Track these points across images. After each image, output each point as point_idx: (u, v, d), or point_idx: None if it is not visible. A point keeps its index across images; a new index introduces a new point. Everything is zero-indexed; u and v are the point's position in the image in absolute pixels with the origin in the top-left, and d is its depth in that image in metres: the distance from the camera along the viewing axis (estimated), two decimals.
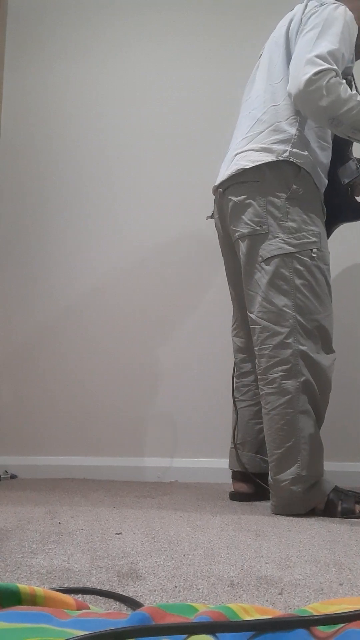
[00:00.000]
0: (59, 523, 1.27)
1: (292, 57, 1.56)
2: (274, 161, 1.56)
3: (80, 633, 0.46)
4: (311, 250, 1.54)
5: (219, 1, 2.58)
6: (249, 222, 1.59)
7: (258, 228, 1.57)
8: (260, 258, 1.57)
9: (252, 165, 1.58)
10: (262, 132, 1.61)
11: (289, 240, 1.54)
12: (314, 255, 1.54)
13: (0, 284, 2.47)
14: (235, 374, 1.83)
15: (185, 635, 0.47)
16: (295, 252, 1.54)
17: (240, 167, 1.61)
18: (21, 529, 1.20)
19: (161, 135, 2.50)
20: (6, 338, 2.43)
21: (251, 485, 1.74)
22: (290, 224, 1.55)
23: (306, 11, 1.58)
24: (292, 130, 1.57)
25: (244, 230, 1.61)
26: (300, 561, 0.96)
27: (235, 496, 1.74)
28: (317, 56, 1.46)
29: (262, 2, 2.50)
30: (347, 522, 1.38)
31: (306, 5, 1.60)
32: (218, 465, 2.12)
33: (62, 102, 2.57)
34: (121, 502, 1.63)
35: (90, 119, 2.55)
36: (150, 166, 2.49)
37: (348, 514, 1.44)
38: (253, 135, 1.63)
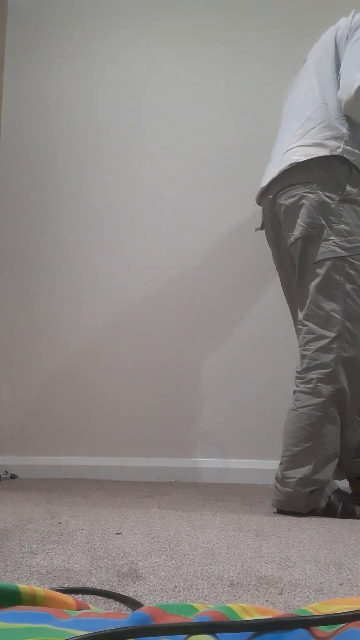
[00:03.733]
0: (59, 523, 1.27)
1: (343, 63, 1.57)
2: (326, 157, 1.54)
3: (80, 633, 0.46)
4: None
5: (219, 3, 2.58)
6: (302, 224, 1.57)
7: (311, 230, 1.55)
8: (312, 260, 1.55)
9: (304, 159, 1.56)
10: (314, 128, 1.58)
11: (342, 243, 1.52)
12: None
13: (0, 285, 2.47)
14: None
15: (185, 635, 0.47)
16: (347, 256, 1.52)
17: (293, 162, 1.58)
18: (21, 529, 1.20)
19: (162, 135, 2.50)
20: (6, 338, 2.42)
21: None
22: (343, 226, 1.53)
23: (354, 20, 1.61)
24: (344, 129, 1.56)
25: (297, 233, 1.59)
26: (300, 561, 0.96)
27: None
28: None
29: (262, 3, 2.50)
30: (347, 522, 1.38)
31: (353, 16, 1.63)
32: (218, 466, 2.12)
33: (62, 102, 2.57)
34: (121, 502, 1.63)
35: (90, 119, 2.55)
36: (151, 165, 2.49)
37: (348, 515, 1.44)
38: (303, 132, 1.60)
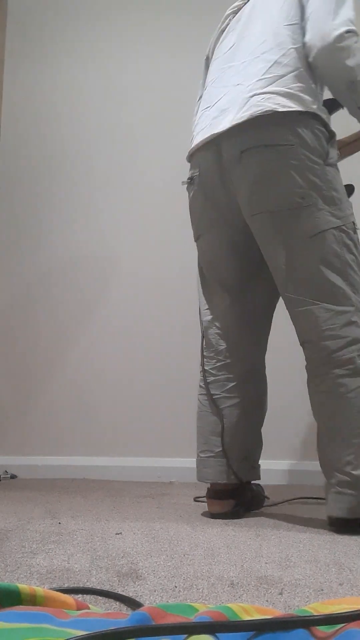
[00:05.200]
0: (59, 523, 1.27)
1: (312, 8, 1.38)
2: (303, 112, 1.34)
3: (80, 633, 0.46)
4: (353, 222, 1.38)
5: (220, 3, 2.58)
6: (286, 194, 1.35)
7: (300, 200, 1.34)
8: (307, 234, 1.34)
9: (282, 109, 1.34)
10: (285, 76, 1.37)
11: (335, 212, 1.35)
12: (357, 228, 1.39)
13: (0, 284, 2.47)
14: (212, 367, 1.55)
15: (185, 635, 0.47)
16: (342, 225, 1.36)
17: (269, 109, 1.34)
18: (21, 529, 1.20)
19: (163, 135, 2.50)
20: (6, 338, 2.43)
21: (229, 502, 1.47)
22: (334, 193, 1.36)
23: None
24: (312, 82, 1.38)
25: (278, 204, 1.36)
26: (300, 561, 0.96)
27: (218, 517, 1.44)
28: (346, 16, 1.34)
29: None
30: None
31: None
32: None
33: (62, 102, 2.57)
34: (121, 502, 1.63)
35: (90, 118, 2.55)
36: (151, 165, 2.49)
37: None
38: (273, 77, 1.37)
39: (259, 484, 1.58)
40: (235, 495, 1.48)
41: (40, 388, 2.38)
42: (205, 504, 1.51)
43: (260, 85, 1.38)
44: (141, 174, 2.49)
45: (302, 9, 1.42)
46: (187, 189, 1.62)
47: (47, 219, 2.50)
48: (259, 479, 1.56)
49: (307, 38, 1.38)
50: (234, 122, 1.39)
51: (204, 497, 1.56)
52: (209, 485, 1.50)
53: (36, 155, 2.54)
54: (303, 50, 1.39)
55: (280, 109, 1.34)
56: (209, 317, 1.59)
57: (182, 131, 2.51)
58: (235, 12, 1.63)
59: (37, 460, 2.28)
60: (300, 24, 1.41)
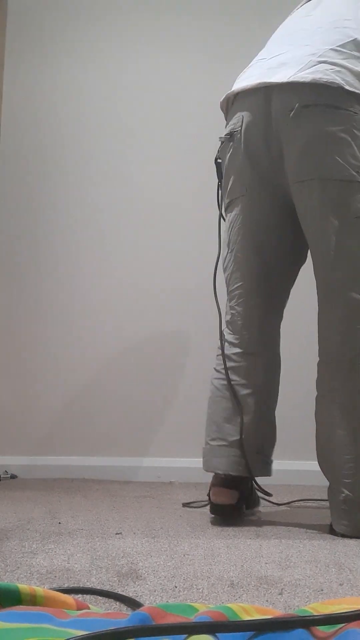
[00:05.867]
0: (59, 523, 1.27)
1: None
2: None
3: (80, 633, 0.46)
4: None
5: (221, 2, 2.58)
6: (343, 163, 1.23)
7: (355, 174, 1.23)
8: (352, 214, 1.24)
9: (348, 88, 1.24)
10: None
11: None
12: None
13: (1, 284, 2.47)
14: (234, 352, 1.45)
15: (185, 635, 0.47)
16: None
17: (336, 83, 1.23)
18: (21, 529, 1.20)
19: (163, 135, 2.50)
20: (6, 338, 2.42)
21: (235, 493, 1.36)
22: None
23: None
24: None
25: (333, 172, 1.24)
26: (300, 561, 0.96)
27: (221, 509, 1.35)
28: None
29: (264, 4, 2.50)
30: None
31: None
32: None
33: (62, 102, 2.57)
34: (121, 502, 1.63)
35: (90, 119, 2.55)
36: (151, 165, 2.49)
37: None
38: (348, 54, 1.27)
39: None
40: (240, 489, 1.36)
41: (40, 388, 2.37)
42: (197, 510, 1.46)
43: (333, 55, 1.27)
44: (141, 173, 2.48)
45: None
46: (222, 146, 1.45)
47: (47, 219, 2.50)
48: (270, 475, 1.46)
49: None
50: (293, 79, 1.26)
51: (194, 502, 1.52)
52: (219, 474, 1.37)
53: (36, 155, 2.54)
54: None
55: (348, 87, 1.24)
56: (234, 300, 1.46)
57: (182, 131, 2.51)
58: None
59: (37, 460, 2.28)
60: None
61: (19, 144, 2.54)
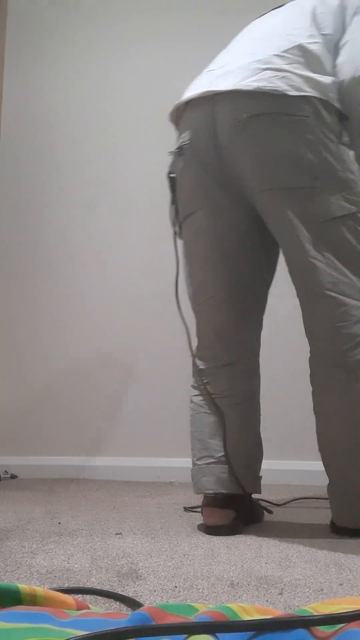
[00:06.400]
0: (59, 523, 1.27)
1: (351, 34, 1.30)
2: (322, 99, 1.23)
3: (80, 633, 0.46)
4: None
5: (219, 2, 2.58)
6: (300, 171, 1.22)
7: (314, 180, 1.22)
8: (321, 218, 1.23)
9: (296, 94, 1.21)
10: (306, 63, 1.26)
11: (350, 197, 1.23)
12: None
13: (0, 284, 2.47)
14: (208, 367, 1.40)
15: (185, 635, 0.47)
16: (357, 212, 1.23)
17: (279, 91, 1.21)
18: (21, 529, 1.20)
19: (163, 135, 2.50)
20: (6, 338, 2.43)
21: (229, 513, 1.27)
22: (349, 175, 1.23)
23: None
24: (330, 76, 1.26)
25: (291, 181, 1.23)
26: (300, 561, 0.96)
27: (214, 531, 1.23)
28: None
29: (265, 3, 2.50)
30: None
31: None
32: None
33: (62, 101, 2.57)
34: (121, 502, 1.63)
35: (90, 118, 2.55)
36: (152, 165, 2.49)
37: None
38: (292, 59, 1.25)
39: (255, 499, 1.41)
40: (235, 507, 1.27)
41: (40, 388, 2.37)
42: (198, 511, 1.40)
43: (277, 61, 1.25)
44: (141, 173, 2.48)
45: (343, 24, 1.32)
46: (174, 161, 1.41)
47: (47, 219, 2.50)
48: (260, 492, 1.38)
49: (341, 60, 1.28)
50: (238, 87, 1.25)
51: (197, 507, 1.43)
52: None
53: (36, 155, 2.54)
54: (332, 68, 1.28)
55: (292, 93, 1.21)
56: (204, 313, 1.44)
57: None
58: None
59: (37, 460, 2.28)
60: (334, 36, 1.31)
61: (19, 143, 2.54)
